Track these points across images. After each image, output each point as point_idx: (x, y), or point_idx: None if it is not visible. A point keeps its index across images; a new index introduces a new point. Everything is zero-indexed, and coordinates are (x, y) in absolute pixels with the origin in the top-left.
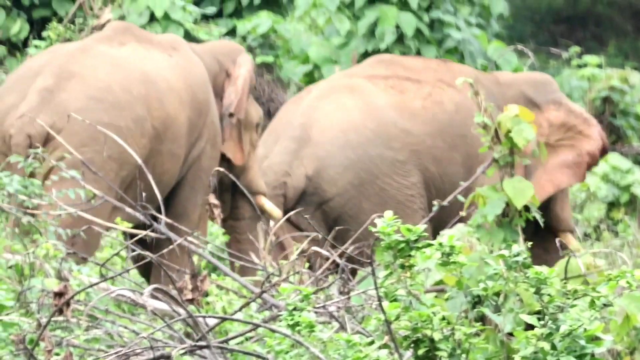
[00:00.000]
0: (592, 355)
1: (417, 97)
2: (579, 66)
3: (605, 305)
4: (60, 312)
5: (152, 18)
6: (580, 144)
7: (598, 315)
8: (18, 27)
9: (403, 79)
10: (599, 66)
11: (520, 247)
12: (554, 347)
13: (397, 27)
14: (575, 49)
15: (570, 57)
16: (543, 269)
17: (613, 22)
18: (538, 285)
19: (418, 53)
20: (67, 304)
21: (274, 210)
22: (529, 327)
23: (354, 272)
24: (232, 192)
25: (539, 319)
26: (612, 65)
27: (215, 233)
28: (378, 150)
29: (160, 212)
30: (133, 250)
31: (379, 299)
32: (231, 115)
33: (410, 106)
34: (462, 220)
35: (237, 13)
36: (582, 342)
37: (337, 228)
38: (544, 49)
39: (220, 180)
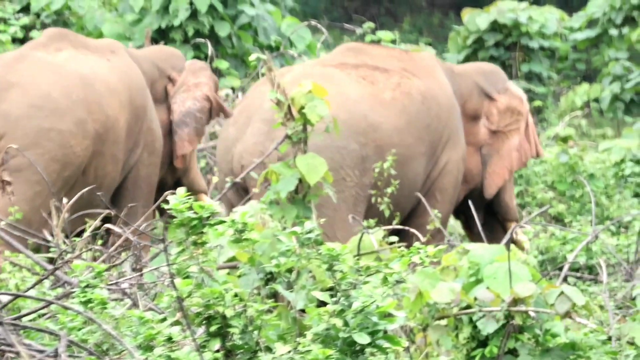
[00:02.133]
0: (385, 331)
1: (387, 87)
2: (373, 42)
3: (398, 281)
4: None
5: None
6: (520, 125)
7: (391, 292)
8: None
9: (372, 69)
10: (393, 42)
11: (313, 224)
12: (346, 323)
13: (191, 3)
14: (370, 24)
15: (364, 33)
16: (336, 246)
17: None
18: (330, 262)
19: (212, 29)
20: None
21: (217, 206)
22: (322, 303)
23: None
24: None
25: (331, 296)
26: (406, 41)
27: (11, 209)
28: (345, 142)
29: None
30: None
31: (171, 276)
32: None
33: (381, 98)
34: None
35: None
36: (375, 319)
37: (129, 205)
38: (338, 24)
39: (162, 181)
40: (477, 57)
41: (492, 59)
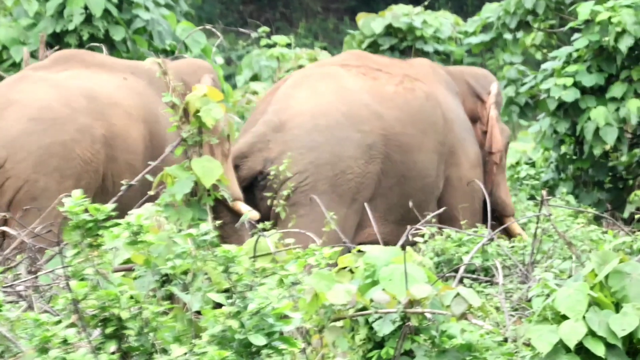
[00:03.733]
0: (281, 333)
1: (389, 83)
2: (269, 46)
3: (294, 283)
4: None
5: None
6: (497, 129)
7: (287, 294)
8: None
9: (374, 69)
10: (288, 46)
11: (209, 226)
12: (242, 325)
13: (86, 7)
14: (265, 29)
15: (259, 37)
16: (232, 248)
17: (302, 3)
18: (226, 263)
19: (107, 33)
20: None
21: (253, 212)
22: (218, 305)
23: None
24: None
25: (227, 298)
26: (301, 45)
27: None
28: (346, 133)
29: None
30: None
31: (67, 278)
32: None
33: (383, 90)
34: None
35: None
36: (271, 320)
37: (25, 208)
38: (233, 29)
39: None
40: None
41: None
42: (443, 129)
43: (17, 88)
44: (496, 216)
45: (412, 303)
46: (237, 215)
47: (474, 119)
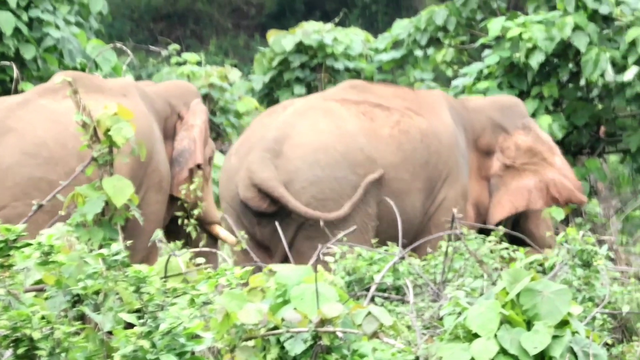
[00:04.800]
0: (193, 352)
1: (385, 124)
2: (179, 64)
3: (205, 303)
4: None
5: None
6: (544, 170)
7: (198, 313)
8: None
9: (374, 106)
10: (199, 63)
11: (120, 246)
12: (153, 345)
13: None
14: (175, 46)
15: (169, 55)
16: (143, 268)
17: (213, 20)
18: (138, 283)
19: (17, 52)
20: None
21: (228, 237)
22: (130, 325)
23: None
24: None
25: (138, 318)
26: (212, 63)
27: None
28: (344, 173)
29: None
30: None
31: None
32: (199, 166)
33: (379, 134)
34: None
35: None
36: (182, 340)
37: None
38: (144, 46)
39: (173, 215)
40: (283, 78)
41: (297, 80)
42: (437, 163)
43: (17, 115)
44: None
45: (323, 322)
46: (213, 239)
47: (490, 151)
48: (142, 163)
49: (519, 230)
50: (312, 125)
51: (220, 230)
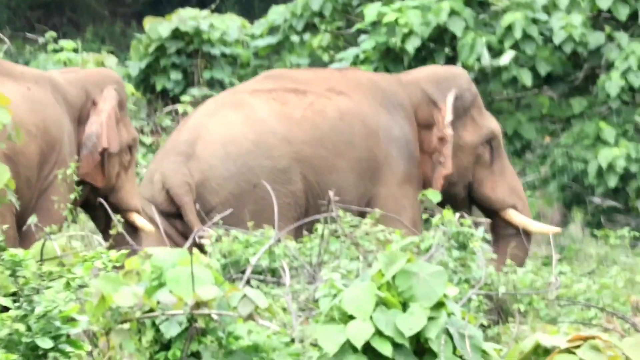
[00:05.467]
0: (68, 335)
1: (298, 107)
2: (55, 51)
3: (80, 286)
4: None
5: None
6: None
7: (74, 297)
8: None
9: (288, 91)
10: (75, 50)
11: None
12: (29, 328)
13: None
14: (52, 34)
15: (46, 42)
16: (18, 252)
17: (89, 7)
18: (13, 267)
19: None
20: None
21: (145, 225)
22: (5, 309)
23: None
24: (104, 209)
25: (14, 301)
26: (89, 50)
27: None
28: (257, 161)
29: None
30: None
31: None
32: (104, 150)
33: (290, 116)
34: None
35: None
36: (58, 323)
37: None
38: (21, 34)
39: (87, 200)
40: (160, 64)
41: (174, 66)
42: (365, 145)
43: None
44: (489, 212)
45: (198, 305)
46: (132, 227)
47: (429, 125)
48: (53, 149)
49: (475, 196)
50: (221, 121)
51: (137, 218)
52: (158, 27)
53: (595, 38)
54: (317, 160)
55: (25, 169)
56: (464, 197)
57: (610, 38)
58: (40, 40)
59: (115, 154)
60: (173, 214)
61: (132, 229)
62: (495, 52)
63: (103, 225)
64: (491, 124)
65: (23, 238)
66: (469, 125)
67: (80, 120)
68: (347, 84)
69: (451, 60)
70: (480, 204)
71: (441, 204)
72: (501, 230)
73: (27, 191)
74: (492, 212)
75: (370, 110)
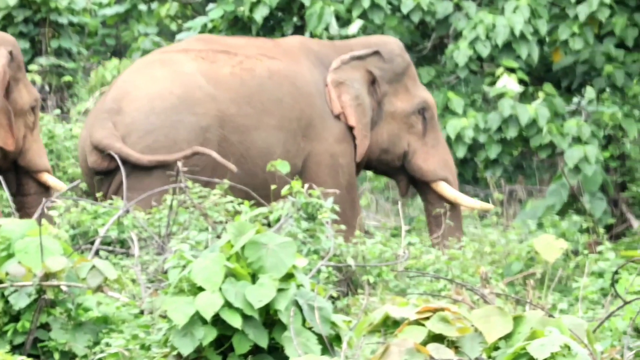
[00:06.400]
0: None
1: (226, 65)
2: None
3: None
4: None
5: None
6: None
7: None
8: None
9: (218, 52)
10: None
11: None
12: None
13: None
14: None
15: None
16: None
17: None
18: None
19: None
20: None
21: (58, 184)
22: None
23: None
24: (16, 172)
25: None
26: None
27: None
28: (181, 116)
29: None
30: None
31: None
32: None
33: (218, 73)
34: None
35: None
36: None
37: None
38: None
39: None
40: (7, 33)
41: (21, 34)
42: (296, 104)
43: None
44: (420, 184)
45: (47, 276)
46: (43, 187)
47: None
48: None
49: (408, 167)
50: (148, 76)
51: (48, 178)
52: None
53: (443, 7)
54: (242, 119)
55: None
56: (398, 166)
57: (458, 7)
58: None
59: (18, 116)
60: (106, 171)
61: (44, 189)
62: (344, 22)
63: (14, 188)
64: (424, 94)
65: None
66: (401, 94)
67: None
68: (278, 50)
69: (299, 29)
70: (413, 174)
71: (378, 173)
72: (433, 207)
73: None
74: (424, 185)
75: (303, 70)
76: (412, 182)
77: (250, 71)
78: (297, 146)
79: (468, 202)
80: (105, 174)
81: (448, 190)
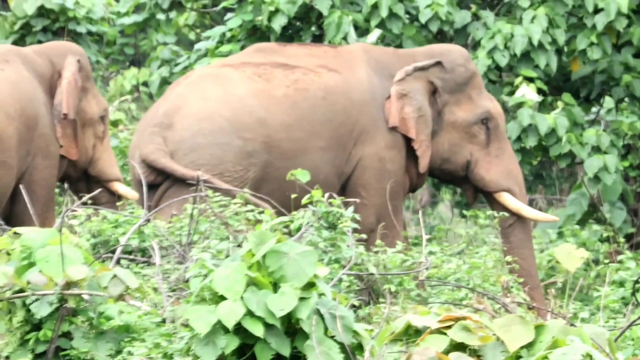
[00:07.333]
0: None
1: (281, 85)
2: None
3: None
4: None
5: None
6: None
7: None
8: None
9: (276, 66)
10: None
11: None
12: None
13: None
14: None
15: None
16: None
17: None
18: None
19: None
20: None
21: (129, 193)
22: None
23: None
24: (87, 182)
25: None
26: None
27: None
28: (227, 139)
29: None
30: None
31: None
32: (65, 116)
33: (271, 94)
34: None
35: None
36: None
37: None
38: None
39: (67, 175)
40: (25, 42)
41: (39, 44)
42: (349, 118)
43: None
44: (485, 194)
45: (69, 284)
46: (114, 196)
47: None
48: (29, 129)
49: (471, 176)
50: (200, 94)
51: (119, 187)
52: (23, 5)
53: (462, 17)
54: (290, 144)
55: (2, 153)
56: (462, 176)
57: (476, 17)
58: None
59: (87, 126)
60: (157, 185)
61: (113, 197)
62: (362, 31)
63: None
64: (488, 104)
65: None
66: (463, 103)
67: (51, 93)
68: (338, 59)
69: (318, 38)
70: (476, 184)
71: (444, 182)
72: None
73: (3, 173)
74: (488, 195)
75: (361, 80)
76: (478, 192)
77: (304, 92)
78: (347, 156)
79: (531, 214)
80: (151, 187)
81: (511, 201)
